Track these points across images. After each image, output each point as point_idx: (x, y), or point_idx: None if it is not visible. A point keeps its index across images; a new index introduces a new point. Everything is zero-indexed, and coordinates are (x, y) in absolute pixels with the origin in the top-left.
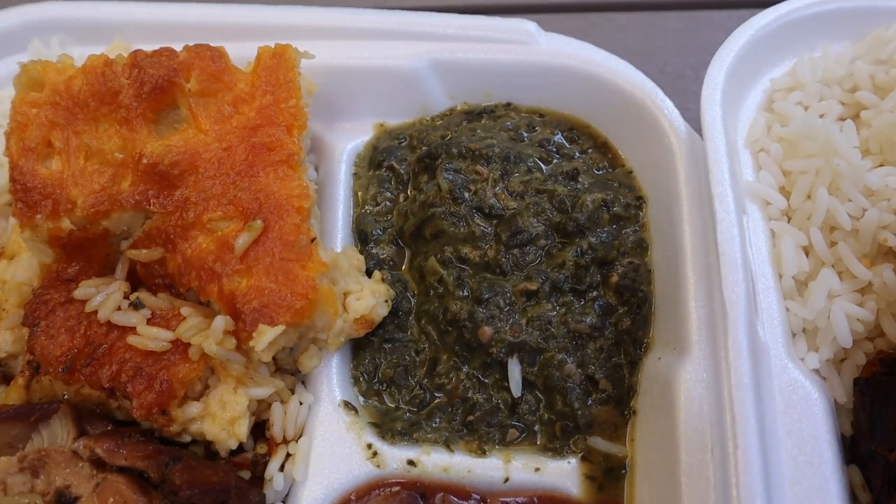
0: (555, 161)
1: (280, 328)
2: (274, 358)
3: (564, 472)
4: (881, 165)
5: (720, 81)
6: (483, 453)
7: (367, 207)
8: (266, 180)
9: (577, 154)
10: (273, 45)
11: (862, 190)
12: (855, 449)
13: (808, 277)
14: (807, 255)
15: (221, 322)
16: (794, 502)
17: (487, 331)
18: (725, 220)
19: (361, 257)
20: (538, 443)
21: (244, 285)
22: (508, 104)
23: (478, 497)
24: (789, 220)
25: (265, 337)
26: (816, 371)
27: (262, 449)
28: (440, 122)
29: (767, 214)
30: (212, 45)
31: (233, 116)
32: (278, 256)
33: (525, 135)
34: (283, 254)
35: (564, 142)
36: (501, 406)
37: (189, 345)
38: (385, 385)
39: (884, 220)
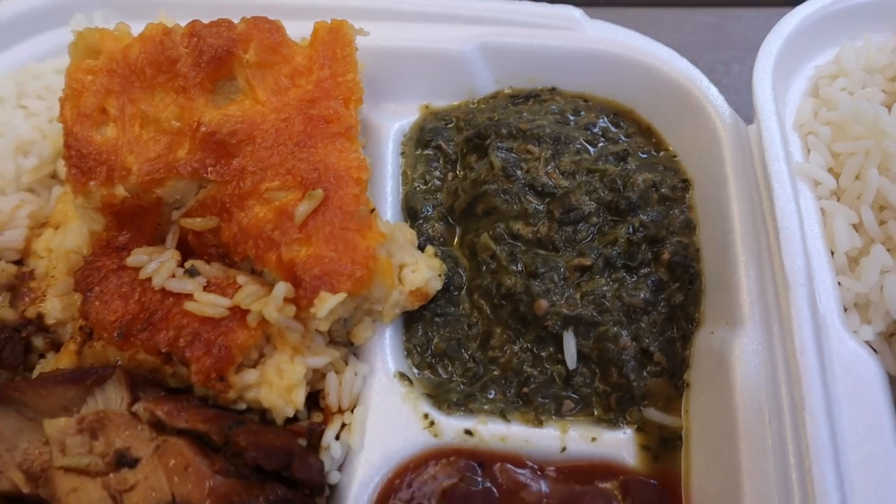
0: (601, 144)
1: (342, 296)
2: (330, 331)
3: (620, 443)
4: None
5: (770, 65)
6: (540, 423)
7: (415, 185)
8: (324, 151)
9: (623, 138)
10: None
11: None
12: None
13: (859, 254)
14: (857, 232)
15: (283, 289)
16: (857, 465)
17: (543, 304)
18: (783, 196)
19: (413, 232)
20: (594, 414)
21: (304, 254)
22: (553, 89)
23: (535, 466)
24: (839, 199)
25: (326, 304)
26: (869, 343)
27: (317, 418)
28: (485, 105)
29: (818, 194)
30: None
31: (290, 89)
32: (338, 226)
33: (571, 118)
34: (343, 223)
35: (610, 126)
36: (556, 378)
37: (247, 312)
38: (438, 358)
39: None
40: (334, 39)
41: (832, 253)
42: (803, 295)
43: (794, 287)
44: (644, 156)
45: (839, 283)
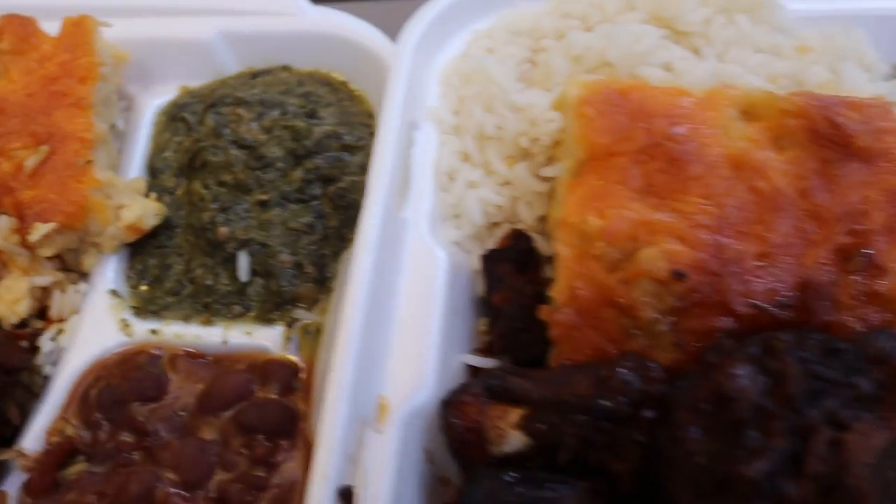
0: (310, 107)
1: (52, 225)
2: (62, 259)
3: (270, 336)
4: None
5: (420, 30)
6: (211, 323)
7: (160, 149)
8: (58, 118)
9: (334, 101)
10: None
11: (509, 107)
12: (483, 304)
13: (458, 174)
14: (465, 160)
15: (6, 221)
16: (398, 336)
17: (224, 231)
18: (385, 133)
19: (143, 182)
20: (255, 315)
21: (29, 196)
22: (286, 67)
23: (199, 355)
24: (456, 133)
25: (38, 231)
26: (459, 244)
27: (40, 325)
28: (232, 81)
29: (442, 130)
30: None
31: (37, 70)
32: (60, 174)
33: (295, 89)
34: (64, 173)
35: (325, 94)
36: (233, 290)
37: None
38: (152, 280)
39: (521, 128)
40: (78, 30)
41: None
42: (379, 199)
43: (373, 194)
44: (348, 114)
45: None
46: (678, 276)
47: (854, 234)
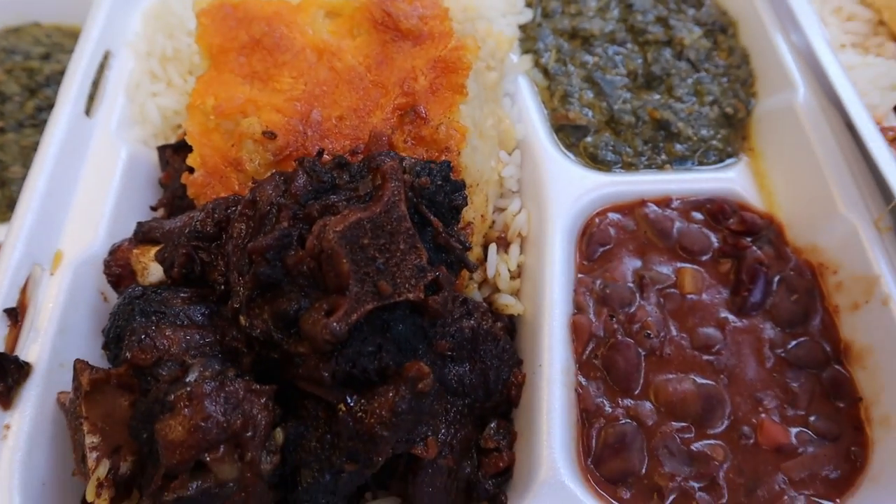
0: (48, 51)
1: None
2: None
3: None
4: None
5: None
6: None
7: None
8: None
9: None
10: None
11: (186, 33)
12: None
13: (143, 87)
14: (152, 78)
15: None
16: (77, 204)
17: None
18: (75, 55)
19: None
20: None
21: None
22: (36, 23)
23: None
24: None
25: None
26: (145, 142)
27: None
28: None
29: (136, 56)
30: None
31: None
32: None
33: (43, 40)
34: None
35: (68, 41)
36: None
37: None
38: None
39: (195, 49)
40: None
41: None
42: (66, 109)
43: (59, 105)
44: None
45: None
46: (269, 135)
47: (406, 95)
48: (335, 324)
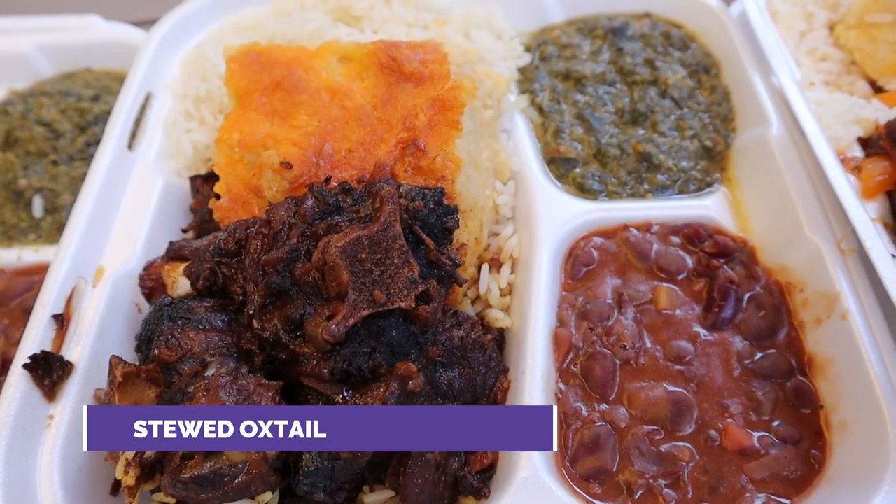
0: (97, 94)
1: None
2: None
3: None
4: None
5: (162, 30)
6: (10, 246)
7: None
8: None
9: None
10: None
11: (218, 77)
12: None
13: (179, 124)
14: (187, 116)
15: None
16: (118, 227)
17: (22, 182)
18: (121, 97)
19: None
20: (43, 239)
21: None
22: (88, 68)
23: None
24: None
25: None
26: (178, 173)
27: None
28: (47, 81)
29: (174, 97)
30: None
31: None
32: None
33: (93, 83)
34: None
35: (115, 84)
36: (29, 225)
37: None
38: None
39: (225, 91)
40: None
41: None
42: (111, 143)
43: (105, 140)
44: None
45: None
46: (286, 165)
47: (408, 130)
48: (334, 326)
